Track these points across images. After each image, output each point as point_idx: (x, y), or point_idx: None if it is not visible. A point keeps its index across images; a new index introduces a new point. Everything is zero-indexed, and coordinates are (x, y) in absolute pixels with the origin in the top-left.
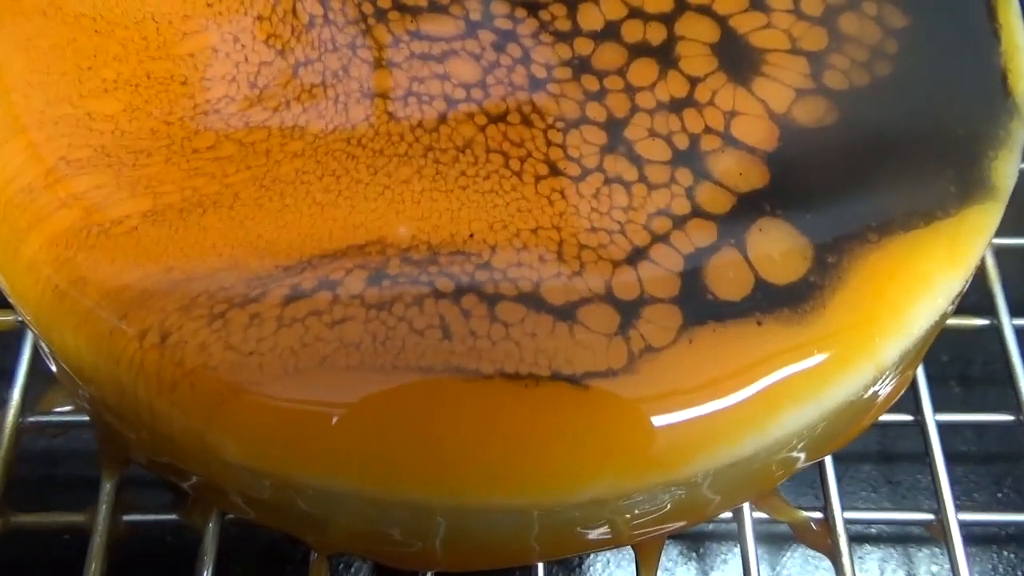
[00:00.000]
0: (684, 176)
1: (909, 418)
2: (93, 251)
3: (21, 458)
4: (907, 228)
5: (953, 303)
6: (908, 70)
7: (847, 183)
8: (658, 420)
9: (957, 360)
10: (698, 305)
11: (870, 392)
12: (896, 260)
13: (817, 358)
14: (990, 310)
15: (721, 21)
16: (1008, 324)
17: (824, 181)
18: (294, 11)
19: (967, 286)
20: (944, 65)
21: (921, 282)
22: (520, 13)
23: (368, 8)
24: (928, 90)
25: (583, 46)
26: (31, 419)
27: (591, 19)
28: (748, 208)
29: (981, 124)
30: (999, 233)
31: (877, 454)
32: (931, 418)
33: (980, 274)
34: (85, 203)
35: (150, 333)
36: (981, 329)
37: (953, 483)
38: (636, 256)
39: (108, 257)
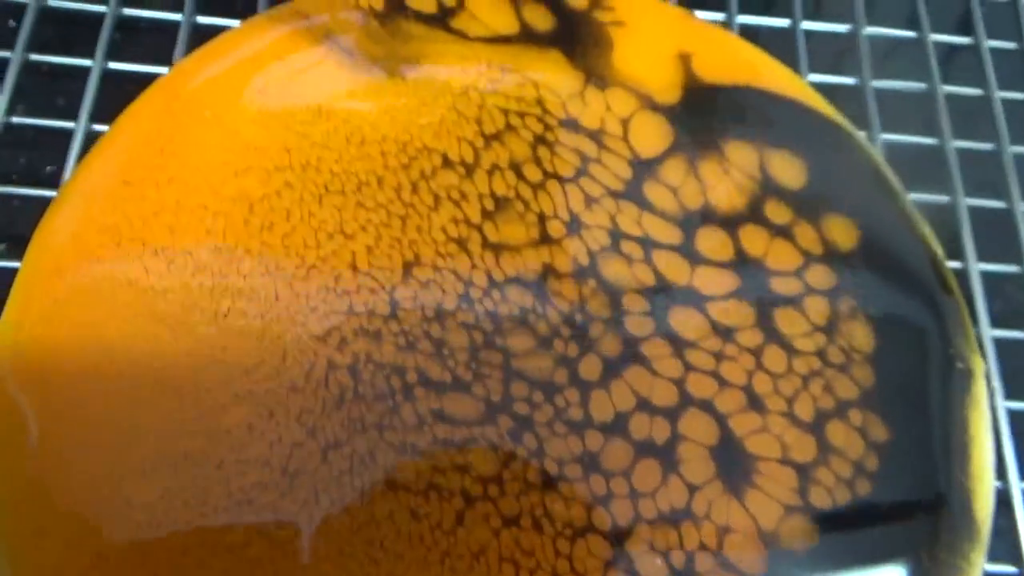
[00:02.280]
0: None
1: None
2: None
3: None
4: None
5: None
6: (884, 491)
7: None
8: None
9: None
10: None
11: None
12: None
13: None
14: None
15: (721, 421)
16: None
17: None
18: (326, 383)
19: None
20: (912, 487)
21: None
22: (537, 397)
23: (396, 382)
24: (899, 515)
25: (593, 440)
26: None
27: (602, 409)
28: None
29: (944, 552)
30: None
31: None
32: None
33: None
34: None
35: None
36: None
37: None
38: None
39: None
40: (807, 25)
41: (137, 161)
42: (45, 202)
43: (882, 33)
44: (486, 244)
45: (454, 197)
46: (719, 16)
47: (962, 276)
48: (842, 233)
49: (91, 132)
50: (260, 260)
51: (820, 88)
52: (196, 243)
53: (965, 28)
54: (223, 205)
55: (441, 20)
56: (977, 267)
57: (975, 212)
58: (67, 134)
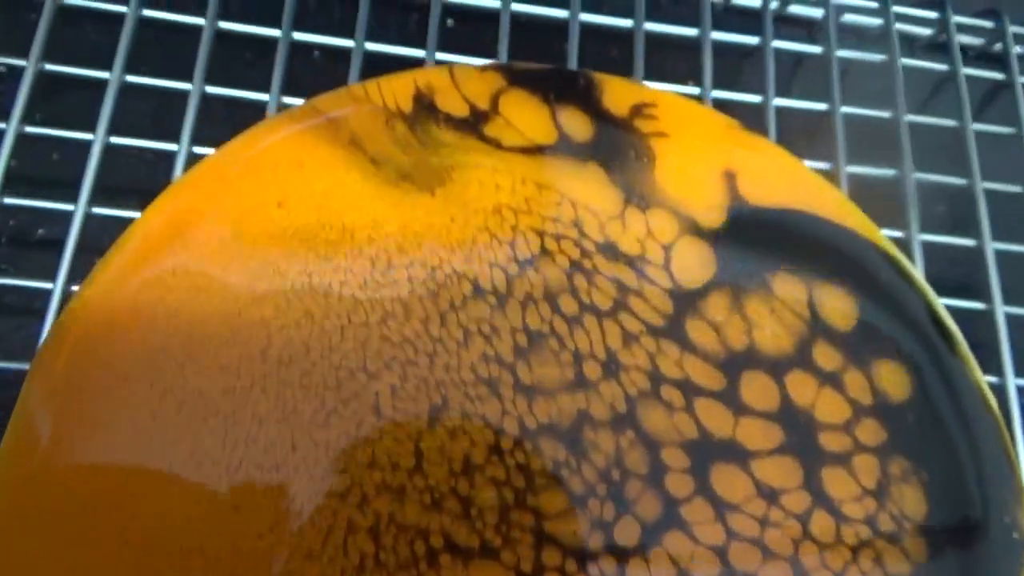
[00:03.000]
0: None
1: None
2: None
3: None
4: None
5: None
6: None
7: None
8: None
9: None
10: None
11: None
12: None
13: None
14: None
15: None
16: None
17: None
18: (345, 549)
19: None
20: None
21: None
22: (571, 567)
23: (420, 548)
24: None
25: None
26: None
27: None
28: None
29: None
30: None
31: None
32: None
33: None
34: None
35: None
36: None
37: None
38: None
39: None
40: (779, 102)
41: (145, 286)
42: None
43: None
44: (518, 386)
45: (485, 331)
46: (694, 91)
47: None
48: (893, 381)
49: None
50: (277, 402)
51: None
52: (208, 381)
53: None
54: (239, 335)
55: (473, 126)
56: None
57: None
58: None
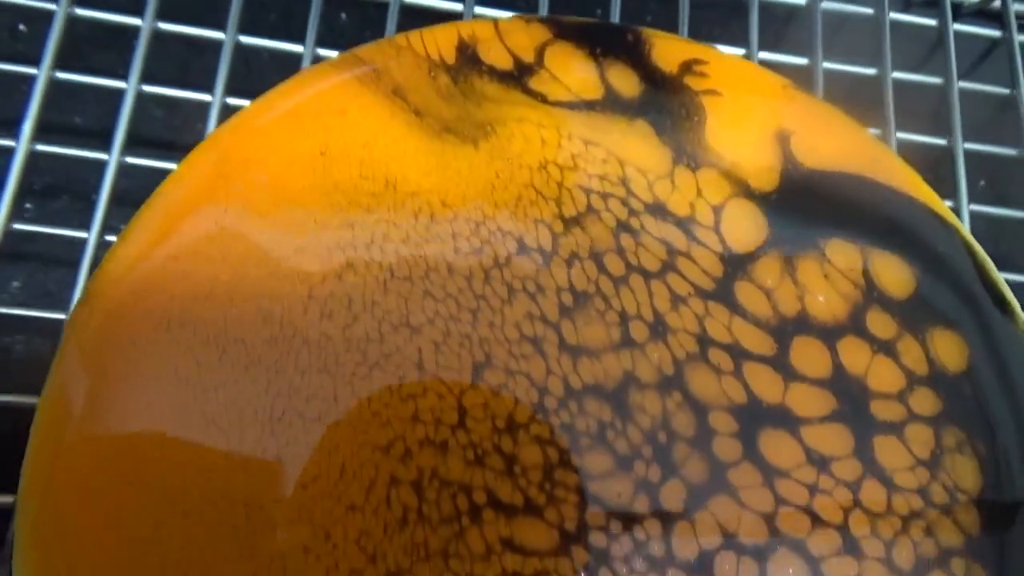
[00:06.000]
0: None
1: None
2: None
3: None
4: None
5: None
6: None
7: None
8: None
9: None
10: None
11: None
12: None
13: None
14: None
15: (814, 565)
16: None
17: None
18: (388, 502)
19: None
20: None
21: None
22: (615, 527)
23: (463, 503)
24: None
25: None
26: None
27: (685, 545)
28: None
29: None
30: None
31: None
32: None
33: None
34: None
35: None
36: None
37: None
38: None
39: None
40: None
41: (188, 232)
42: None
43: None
44: (563, 346)
45: (530, 289)
46: (740, 51)
47: None
48: (949, 351)
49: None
50: (319, 354)
51: None
52: (251, 331)
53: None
54: (280, 286)
55: (518, 79)
56: None
57: None
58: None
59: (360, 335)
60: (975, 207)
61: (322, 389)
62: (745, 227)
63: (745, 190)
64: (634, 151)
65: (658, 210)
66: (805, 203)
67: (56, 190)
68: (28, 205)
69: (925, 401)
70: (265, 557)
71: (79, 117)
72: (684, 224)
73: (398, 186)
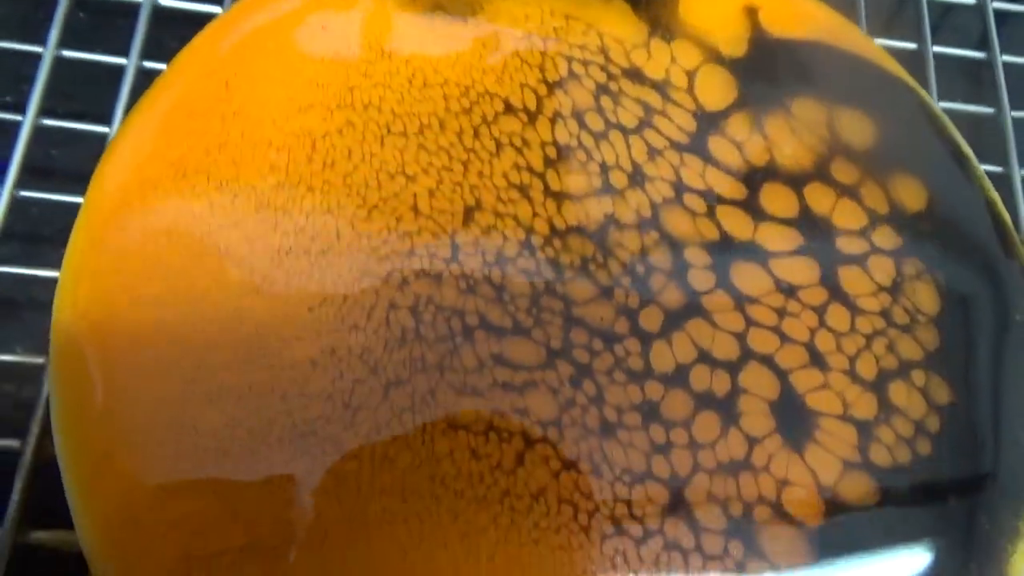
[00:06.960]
0: (736, 548)
1: None
2: None
3: None
4: None
5: None
6: (945, 451)
7: (883, 568)
8: None
9: None
10: None
11: None
12: None
13: None
14: None
15: (782, 376)
16: None
17: (860, 563)
18: (387, 322)
19: None
20: (974, 449)
21: None
22: (597, 345)
23: (457, 324)
24: (960, 473)
25: (653, 390)
26: None
27: (663, 360)
28: None
29: (1006, 517)
30: None
31: None
32: None
33: None
34: (188, 530)
35: None
36: None
37: None
38: None
39: None
40: None
41: (203, 94)
42: (95, 138)
43: None
44: (548, 192)
45: (516, 144)
46: None
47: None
48: (909, 194)
49: (142, 69)
50: (322, 198)
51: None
52: (260, 178)
53: None
54: (286, 140)
55: None
56: None
57: None
58: (118, 71)
59: (360, 182)
60: None
61: (325, 228)
62: (716, 89)
63: (716, 56)
64: (612, 24)
65: (635, 74)
66: (773, 67)
67: None
68: None
69: (887, 237)
70: (277, 367)
71: None
72: (659, 87)
73: (392, 57)
